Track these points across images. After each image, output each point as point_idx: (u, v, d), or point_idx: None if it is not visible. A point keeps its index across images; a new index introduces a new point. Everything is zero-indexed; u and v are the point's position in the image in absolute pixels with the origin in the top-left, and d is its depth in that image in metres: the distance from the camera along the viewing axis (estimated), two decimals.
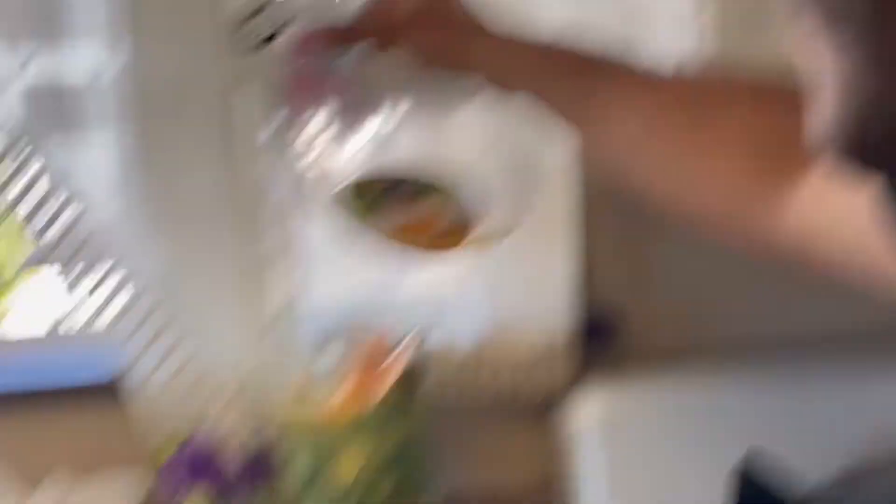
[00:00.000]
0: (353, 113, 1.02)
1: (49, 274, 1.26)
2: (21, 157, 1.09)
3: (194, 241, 1.12)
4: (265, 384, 1.13)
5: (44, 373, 1.26)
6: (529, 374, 1.19)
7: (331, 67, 0.98)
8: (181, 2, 1.09)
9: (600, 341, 1.23)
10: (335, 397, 1.02)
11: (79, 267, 1.13)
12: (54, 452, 1.20)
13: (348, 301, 1.15)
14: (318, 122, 1.04)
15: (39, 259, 1.24)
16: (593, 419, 1.18)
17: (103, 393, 1.16)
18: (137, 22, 1.07)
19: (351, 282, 1.16)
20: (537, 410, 1.21)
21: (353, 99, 1.01)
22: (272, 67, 1.03)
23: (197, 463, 1.11)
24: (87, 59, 1.11)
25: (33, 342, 1.34)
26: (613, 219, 1.23)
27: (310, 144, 1.06)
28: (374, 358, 1.02)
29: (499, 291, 1.17)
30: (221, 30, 1.08)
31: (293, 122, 1.02)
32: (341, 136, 1.05)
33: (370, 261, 1.10)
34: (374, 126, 1.01)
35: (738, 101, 0.61)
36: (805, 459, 0.99)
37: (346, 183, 0.96)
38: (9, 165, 1.08)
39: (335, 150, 1.07)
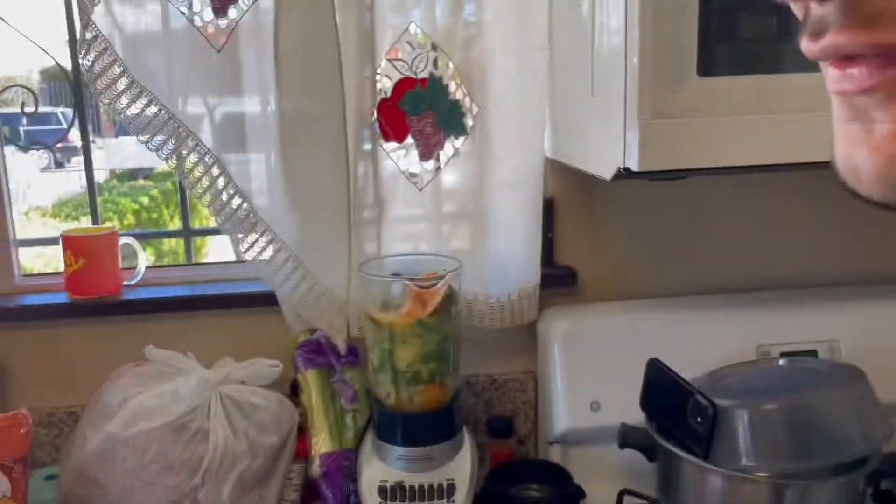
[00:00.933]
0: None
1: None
2: (208, 166, 1.19)
3: (319, 217, 1.22)
4: (359, 302, 1.22)
5: (231, 286, 1.34)
6: (519, 304, 1.29)
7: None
8: (310, 66, 1.16)
9: (563, 287, 1.34)
10: (400, 311, 1.12)
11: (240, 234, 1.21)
12: (224, 342, 1.30)
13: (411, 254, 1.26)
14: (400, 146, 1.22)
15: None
16: (556, 333, 1.26)
17: (266, 300, 1.25)
18: (281, 81, 1.16)
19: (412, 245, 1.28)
20: (523, 327, 1.31)
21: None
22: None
23: (315, 350, 1.24)
24: (252, 105, 1.19)
25: (224, 264, 1.40)
26: (575, 213, 1.34)
27: (395, 159, 1.24)
28: (426, 288, 1.11)
29: (500, 255, 1.27)
30: (338, 83, 1.17)
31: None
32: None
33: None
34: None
35: None
36: (686, 367, 1.07)
37: None
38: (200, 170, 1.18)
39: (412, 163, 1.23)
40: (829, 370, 1.14)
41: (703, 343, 1.23)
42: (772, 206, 1.37)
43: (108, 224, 1.37)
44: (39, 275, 1.40)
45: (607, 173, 0.97)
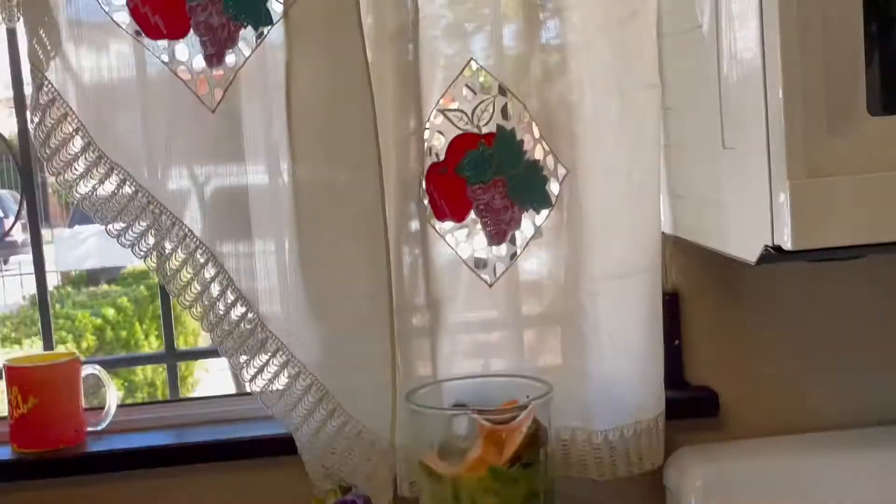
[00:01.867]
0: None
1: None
2: (200, 265, 1.22)
3: (350, 328, 1.23)
4: (409, 446, 1.23)
5: (231, 428, 1.37)
6: (637, 443, 1.28)
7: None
8: (333, 122, 1.21)
9: (699, 417, 1.34)
10: (467, 458, 1.11)
11: (244, 356, 1.25)
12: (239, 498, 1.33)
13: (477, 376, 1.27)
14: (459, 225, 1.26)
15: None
16: (693, 483, 1.25)
17: (280, 446, 1.27)
18: (296, 142, 1.21)
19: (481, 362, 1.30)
20: (645, 477, 1.30)
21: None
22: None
23: None
24: (257, 176, 1.23)
25: (223, 399, 1.45)
26: (708, 312, 1.36)
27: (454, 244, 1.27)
28: (501, 423, 1.11)
29: (606, 375, 1.28)
30: (373, 142, 1.19)
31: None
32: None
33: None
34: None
35: None
36: None
37: None
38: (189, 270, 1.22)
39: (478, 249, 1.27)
40: None
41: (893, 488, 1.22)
42: None
43: (62, 349, 1.42)
44: None
45: (751, 255, 0.98)
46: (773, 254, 0.95)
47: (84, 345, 4.55)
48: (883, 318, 1.37)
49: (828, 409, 1.36)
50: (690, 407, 1.35)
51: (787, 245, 0.92)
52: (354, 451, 1.27)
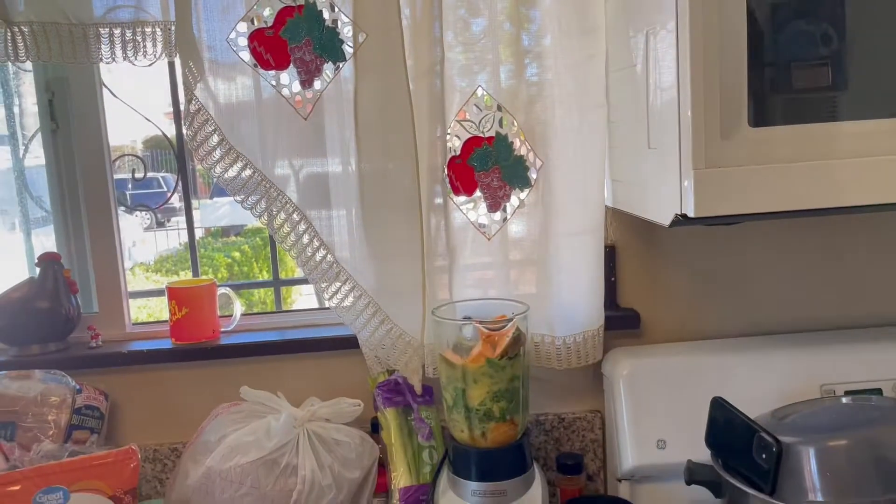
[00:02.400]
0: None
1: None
2: (295, 222, 1.23)
3: (395, 266, 1.24)
4: (433, 344, 1.23)
5: (316, 330, 1.38)
6: (584, 345, 1.28)
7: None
8: (386, 129, 1.19)
9: (627, 329, 1.33)
10: (471, 353, 1.11)
11: (324, 283, 1.25)
12: (310, 382, 1.33)
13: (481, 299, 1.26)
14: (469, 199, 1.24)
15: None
16: (621, 373, 1.24)
17: (348, 343, 1.29)
18: (361, 144, 1.20)
19: (482, 290, 1.29)
20: (589, 368, 1.30)
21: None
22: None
23: (393, 389, 1.26)
24: (334, 166, 1.23)
25: (310, 311, 1.44)
26: (635, 259, 1.34)
27: (464, 211, 1.25)
28: (495, 330, 1.11)
29: (565, 299, 1.27)
30: (412, 143, 1.19)
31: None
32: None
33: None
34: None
35: None
36: (750, 406, 1.04)
37: None
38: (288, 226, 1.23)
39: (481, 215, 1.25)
40: (894, 407, 1.09)
41: (766, 382, 1.21)
42: (830, 247, 1.34)
43: (205, 276, 1.43)
44: (147, 323, 1.47)
45: (666, 220, 0.97)
46: (681, 220, 0.94)
47: (219, 276, 4.58)
48: (753, 261, 1.35)
49: (718, 324, 1.35)
50: (621, 322, 1.34)
51: (691, 213, 0.91)
52: (397, 347, 1.27)
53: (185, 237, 1.46)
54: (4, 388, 1.19)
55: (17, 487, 1.03)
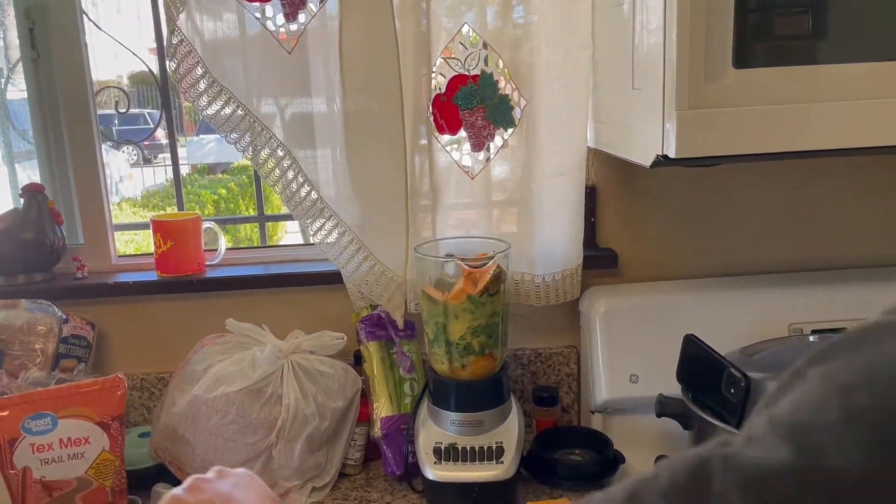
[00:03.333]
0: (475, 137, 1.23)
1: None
2: (280, 158, 1.21)
3: (379, 204, 1.23)
4: (415, 280, 1.22)
5: (300, 265, 1.36)
6: (563, 283, 1.28)
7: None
8: (371, 68, 1.18)
9: (605, 268, 1.33)
10: (453, 289, 1.10)
11: (309, 220, 1.24)
12: (295, 316, 1.31)
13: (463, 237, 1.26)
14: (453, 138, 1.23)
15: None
16: (597, 311, 1.25)
17: (332, 278, 1.28)
18: (346, 82, 1.18)
19: (464, 229, 1.28)
20: (566, 305, 1.31)
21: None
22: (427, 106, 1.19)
23: (376, 324, 1.25)
24: (319, 105, 1.20)
25: (294, 247, 1.42)
26: (614, 200, 1.32)
27: (448, 151, 1.24)
28: (476, 267, 1.10)
29: (545, 239, 1.26)
30: (397, 82, 1.17)
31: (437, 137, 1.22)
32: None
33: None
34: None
35: None
36: (720, 344, 1.05)
37: None
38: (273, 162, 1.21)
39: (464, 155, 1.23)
40: None
41: (736, 321, 1.22)
42: (804, 191, 1.34)
43: (191, 211, 1.41)
44: (133, 255, 1.45)
45: (647, 161, 0.95)
46: (661, 160, 0.92)
47: (205, 213, 4.54)
48: (730, 203, 1.34)
49: (693, 264, 1.35)
50: (599, 261, 1.33)
51: (672, 154, 0.89)
52: (380, 283, 1.27)
53: (171, 174, 1.44)
54: None
55: (5, 413, 1.02)
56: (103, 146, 1.39)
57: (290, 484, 1.17)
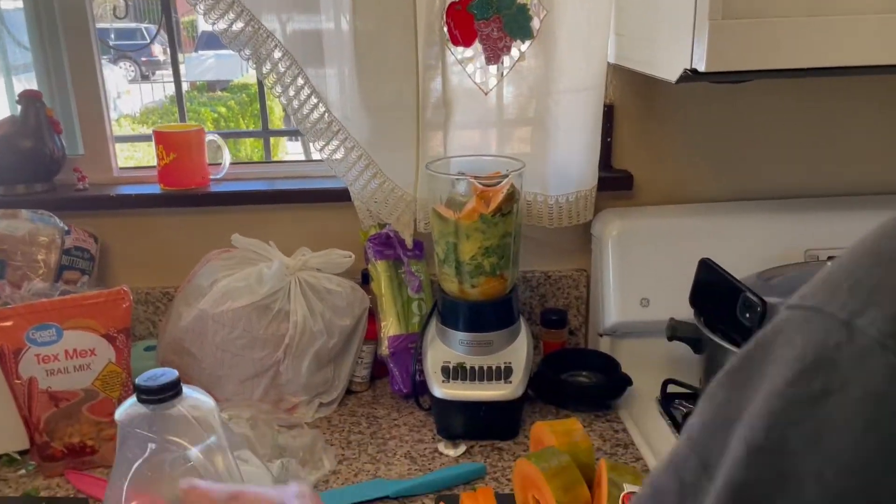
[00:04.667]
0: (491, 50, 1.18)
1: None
2: (294, 75, 1.17)
3: (390, 120, 1.20)
4: (426, 199, 1.21)
5: (304, 181, 1.33)
6: (577, 205, 1.25)
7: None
8: None
9: (620, 190, 1.30)
10: (464, 208, 1.08)
11: (317, 135, 1.21)
12: (301, 233, 1.29)
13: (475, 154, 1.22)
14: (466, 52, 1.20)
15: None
16: (610, 233, 1.24)
17: (340, 195, 1.25)
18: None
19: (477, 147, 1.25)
20: (578, 227, 1.28)
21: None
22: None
23: (384, 243, 1.24)
24: (328, 23, 1.16)
25: (298, 162, 1.42)
26: (632, 119, 1.28)
27: (461, 65, 1.20)
28: (489, 186, 1.07)
29: (560, 158, 1.23)
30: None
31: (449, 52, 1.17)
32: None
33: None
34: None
35: None
36: (735, 269, 1.04)
37: None
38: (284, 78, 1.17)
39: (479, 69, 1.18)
40: None
41: (752, 246, 1.20)
42: (826, 113, 1.30)
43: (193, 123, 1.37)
44: (135, 168, 1.41)
45: (672, 75, 0.91)
46: (689, 75, 0.87)
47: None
48: (750, 125, 1.30)
49: (710, 188, 1.32)
50: (614, 183, 1.29)
51: (702, 67, 0.85)
52: (389, 201, 1.24)
53: (170, 90, 1.40)
54: None
55: (9, 323, 1.01)
56: (104, 60, 1.34)
57: (297, 399, 1.17)
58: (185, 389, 0.74)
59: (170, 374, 0.72)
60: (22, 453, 1.06)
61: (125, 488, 0.73)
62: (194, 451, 0.74)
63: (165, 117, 5.03)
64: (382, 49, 1.16)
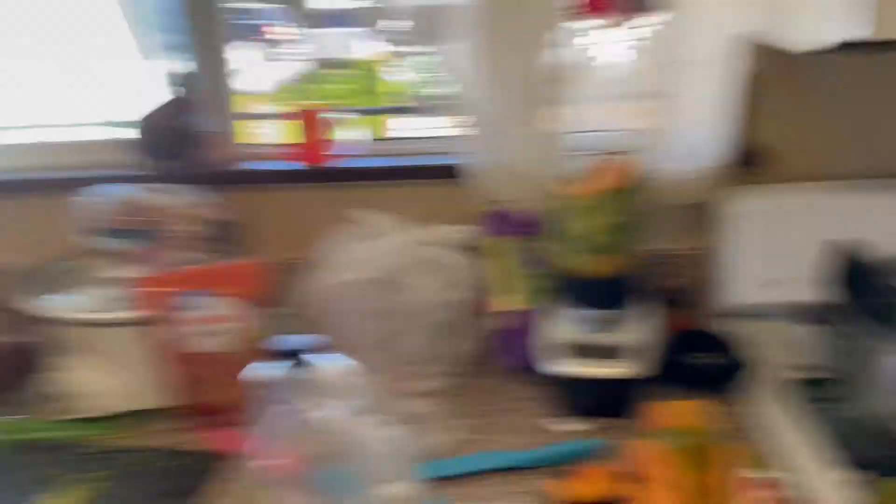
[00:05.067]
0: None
1: None
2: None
3: (509, 95, 1.18)
4: (543, 176, 1.18)
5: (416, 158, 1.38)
6: (704, 181, 1.21)
7: None
8: None
9: (751, 167, 1.26)
10: (582, 186, 1.07)
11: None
12: (419, 209, 1.29)
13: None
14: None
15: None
16: (739, 211, 1.22)
17: (450, 174, 1.27)
18: None
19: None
20: (705, 204, 1.26)
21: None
22: None
23: (502, 219, 1.25)
24: None
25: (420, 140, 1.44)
26: (774, 90, 1.24)
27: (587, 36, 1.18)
28: (607, 164, 1.07)
29: (689, 133, 1.18)
30: None
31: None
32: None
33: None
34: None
35: None
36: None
37: None
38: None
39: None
40: None
41: (890, 228, 1.10)
42: None
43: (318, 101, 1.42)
44: (266, 145, 1.49)
45: (824, 44, 0.85)
46: (845, 45, 0.83)
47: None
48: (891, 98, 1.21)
49: (848, 166, 1.24)
50: (745, 159, 1.25)
51: (869, 35, 0.80)
52: (507, 177, 1.24)
53: (297, 68, 1.46)
54: (146, 200, 1.25)
55: (158, 289, 1.11)
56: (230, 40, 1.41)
57: (416, 370, 1.21)
58: (319, 355, 0.79)
59: (305, 339, 0.78)
60: (166, 409, 1.15)
61: (265, 445, 0.80)
62: (326, 413, 0.79)
63: (294, 94, 5.21)
64: (508, 21, 1.15)
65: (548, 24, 1.16)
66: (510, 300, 1.23)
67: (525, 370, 1.21)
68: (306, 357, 0.76)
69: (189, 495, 0.96)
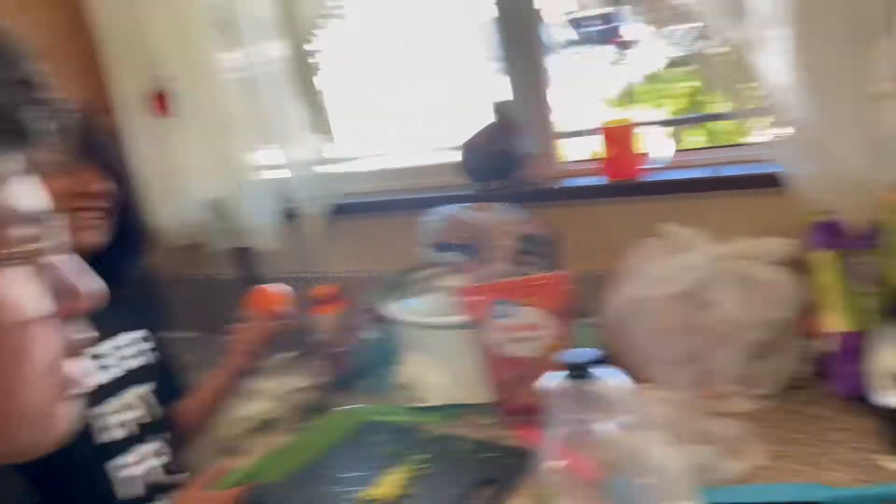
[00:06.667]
0: None
1: None
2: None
3: (835, 94, 1.11)
4: (877, 183, 1.09)
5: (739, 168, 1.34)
6: None
7: None
8: None
9: None
10: None
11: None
12: (737, 220, 1.28)
13: None
14: None
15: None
16: None
17: (770, 183, 1.23)
18: None
19: None
20: None
21: None
22: None
23: (830, 231, 1.17)
24: None
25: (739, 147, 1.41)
26: None
27: None
28: None
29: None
30: None
31: None
32: None
33: None
34: None
35: None
36: None
37: None
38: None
39: None
40: None
41: None
42: None
43: (642, 113, 1.47)
44: (580, 161, 1.58)
45: None
46: None
47: (678, 106, 4.48)
48: None
49: None
50: None
51: None
52: (835, 185, 1.15)
53: (643, 71, 1.52)
54: (470, 217, 1.43)
55: (481, 297, 1.26)
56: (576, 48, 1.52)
57: (728, 389, 1.19)
58: (605, 369, 0.84)
59: (591, 353, 0.84)
60: (486, 406, 1.29)
61: (555, 448, 0.87)
62: (607, 425, 0.84)
63: (641, 97, 5.18)
64: (827, 10, 1.08)
65: (888, 7, 1.05)
66: (838, 320, 1.13)
67: (857, 399, 1.11)
68: (591, 370, 0.82)
69: (499, 487, 1.07)
